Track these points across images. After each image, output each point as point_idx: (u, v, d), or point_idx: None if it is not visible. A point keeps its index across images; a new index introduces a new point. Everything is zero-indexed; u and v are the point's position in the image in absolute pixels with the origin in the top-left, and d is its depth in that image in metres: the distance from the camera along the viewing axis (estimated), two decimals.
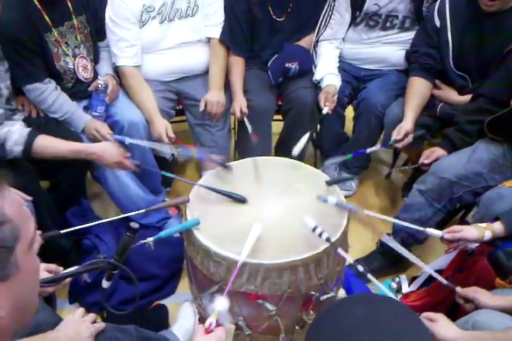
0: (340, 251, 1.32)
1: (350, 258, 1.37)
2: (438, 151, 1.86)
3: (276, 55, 2.26)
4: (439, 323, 1.17)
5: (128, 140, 1.90)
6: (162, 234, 1.37)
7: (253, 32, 2.29)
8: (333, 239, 1.37)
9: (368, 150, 1.90)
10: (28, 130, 1.63)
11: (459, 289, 1.30)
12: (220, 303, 1.09)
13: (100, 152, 1.73)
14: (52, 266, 1.30)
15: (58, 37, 1.88)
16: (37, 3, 1.78)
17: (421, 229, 1.48)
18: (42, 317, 1.23)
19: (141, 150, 2.11)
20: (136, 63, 2.13)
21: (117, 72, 2.21)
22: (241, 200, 1.50)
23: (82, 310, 1.26)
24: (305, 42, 2.39)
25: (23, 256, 0.63)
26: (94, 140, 1.95)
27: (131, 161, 1.80)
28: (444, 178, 1.75)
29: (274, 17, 2.25)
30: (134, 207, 2.10)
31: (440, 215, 1.84)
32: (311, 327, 0.74)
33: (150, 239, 1.34)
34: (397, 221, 1.62)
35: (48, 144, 1.66)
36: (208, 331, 1.03)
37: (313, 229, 1.31)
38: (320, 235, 1.30)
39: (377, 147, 1.91)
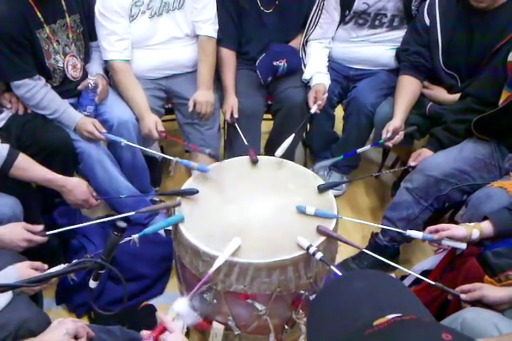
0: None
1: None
2: (425, 153, 1.87)
3: (263, 55, 2.25)
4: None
5: (124, 141, 1.89)
6: (147, 230, 1.37)
7: (240, 23, 2.28)
8: (321, 240, 1.37)
9: (359, 150, 1.90)
10: (7, 149, 1.59)
11: (463, 296, 1.29)
12: (179, 304, 1.08)
13: (71, 187, 1.70)
14: (38, 264, 1.29)
15: (50, 34, 1.86)
16: None
17: (402, 231, 1.49)
18: (26, 315, 1.22)
19: (131, 149, 2.10)
20: (127, 57, 2.11)
21: (107, 72, 2.19)
22: (193, 192, 1.52)
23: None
24: (293, 43, 2.39)
25: None
26: (87, 139, 1.96)
27: (95, 197, 1.79)
28: (431, 176, 1.76)
29: (262, 8, 2.25)
30: (123, 201, 2.10)
31: (427, 213, 1.85)
32: (311, 305, 0.74)
33: (135, 236, 1.33)
34: (375, 225, 1.62)
35: (26, 168, 1.63)
36: (157, 332, 1.00)
37: (307, 249, 1.31)
38: (314, 254, 1.29)
39: (367, 147, 1.91)
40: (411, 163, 1.87)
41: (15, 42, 1.74)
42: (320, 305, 0.72)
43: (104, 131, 1.96)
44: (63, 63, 1.95)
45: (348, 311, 0.66)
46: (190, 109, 2.18)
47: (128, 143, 1.91)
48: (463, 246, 1.41)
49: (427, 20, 2.01)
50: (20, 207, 1.62)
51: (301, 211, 1.46)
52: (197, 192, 1.53)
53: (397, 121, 1.97)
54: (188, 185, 1.60)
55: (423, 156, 1.86)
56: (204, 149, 1.82)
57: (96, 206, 1.83)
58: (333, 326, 0.66)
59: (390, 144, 1.94)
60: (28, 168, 1.64)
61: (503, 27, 1.83)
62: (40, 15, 1.80)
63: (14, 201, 1.62)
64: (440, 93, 2.10)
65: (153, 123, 2.04)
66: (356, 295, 0.69)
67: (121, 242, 1.21)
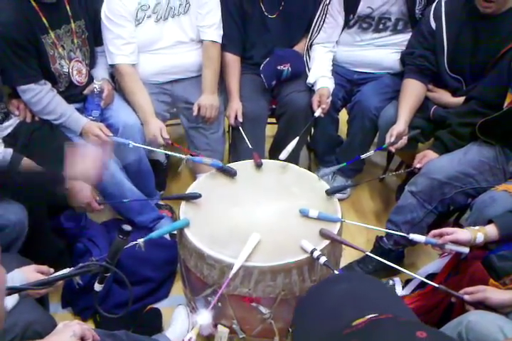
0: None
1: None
2: (430, 155, 1.86)
3: (267, 59, 2.26)
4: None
5: (131, 143, 1.90)
6: (153, 234, 1.37)
7: (245, 28, 2.29)
8: (325, 244, 1.37)
9: (363, 156, 1.90)
10: (10, 153, 1.61)
11: (466, 297, 1.28)
12: (203, 317, 1.13)
13: (75, 190, 1.71)
14: (44, 268, 1.30)
15: (55, 39, 1.88)
16: (35, 5, 1.78)
17: (405, 235, 1.49)
18: (33, 317, 1.23)
19: (137, 153, 2.11)
20: (133, 61, 2.12)
21: (113, 76, 2.21)
22: (196, 197, 1.53)
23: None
24: (297, 48, 2.39)
25: None
26: (94, 144, 1.96)
27: (98, 202, 1.79)
28: (435, 179, 1.76)
29: (266, 13, 2.26)
30: (128, 205, 2.10)
31: (432, 217, 1.84)
32: (298, 304, 0.75)
33: (141, 241, 1.34)
34: (378, 228, 1.62)
35: (30, 171, 1.65)
36: None
37: (311, 252, 1.31)
38: (318, 258, 1.30)
39: (371, 152, 1.91)
40: (416, 164, 1.87)
41: (20, 48, 1.76)
42: (306, 304, 0.73)
43: (110, 134, 1.97)
44: (68, 68, 1.97)
45: (331, 311, 0.68)
46: (195, 113, 2.19)
47: (135, 144, 1.92)
48: (465, 250, 1.40)
49: (433, 24, 2.01)
50: (25, 214, 1.63)
51: (304, 214, 1.47)
52: (200, 196, 1.53)
53: (401, 125, 1.97)
54: (192, 188, 1.61)
55: (428, 158, 1.86)
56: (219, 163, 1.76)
57: (99, 210, 1.83)
58: (317, 325, 0.67)
59: (392, 149, 1.94)
60: (32, 170, 1.65)
61: (508, 32, 1.83)
62: (45, 21, 1.82)
63: (19, 207, 1.63)
64: (445, 96, 2.10)
65: (158, 130, 2.05)
66: (340, 297, 0.71)
67: (127, 247, 1.22)
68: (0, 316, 0.72)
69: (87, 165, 1.64)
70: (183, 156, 1.78)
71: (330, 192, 1.58)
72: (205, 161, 1.68)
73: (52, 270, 1.32)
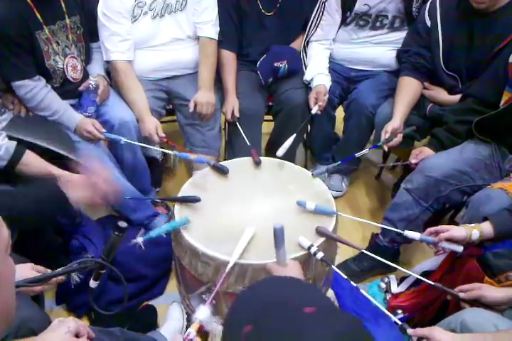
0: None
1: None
2: (426, 151, 1.87)
3: (264, 56, 2.25)
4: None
5: (123, 140, 1.90)
6: (152, 233, 1.36)
7: (241, 25, 2.29)
8: (321, 241, 1.37)
9: (358, 154, 1.90)
10: (14, 145, 1.61)
11: (462, 294, 1.28)
12: (202, 312, 1.12)
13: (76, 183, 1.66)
14: (41, 268, 1.29)
15: (50, 35, 1.86)
16: (29, 0, 1.77)
17: (400, 231, 1.49)
18: (27, 314, 1.22)
19: (132, 149, 2.10)
20: (129, 58, 2.11)
21: (109, 73, 2.20)
22: (195, 200, 1.51)
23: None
24: (294, 45, 2.39)
25: (0, 262, 0.63)
26: (87, 140, 1.95)
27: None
28: (431, 177, 1.76)
29: (263, 11, 2.25)
30: (123, 201, 2.10)
31: (427, 214, 1.84)
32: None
33: (140, 239, 1.33)
34: (374, 223, 1.62)
35: (32, 163, 1.65)
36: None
37: (308, 248, 1.31)
38: (315, 254, 1.30)
39: (366, 150, 1.91)
40: (412, 160, 1.87)
41: (14, 44, 1.75)
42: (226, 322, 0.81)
43: (103, 130, 1.96)
44: (63, 64, 1.95)
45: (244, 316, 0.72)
46: (191, 109, 2.18)
47: (127, 140, 1.91)
48: (459, 249, 1.41)
49: (428, 22, 2.01)
50: None
51: (302, 205, 1.46)
52: (199, 200, 1.52)
53: (396, 121, 1.96)
54: (187, 185, 1.60)
55: (424, 154, 1.86)
56: (209, 161, 1.76)
57: (100, 205, 1.79)
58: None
59: (385, 148, 1.93)
60: (34, 163, 1.65)
61: (503, 29, 1.82)
62: (39, 17, 1.80)
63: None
64: (441, 94, 2.10)
65: (153, 128, 2.04)
66: (249, 303, 0.77)
67: (128, 245, 1.21)
68: (11, 308, 0.72)
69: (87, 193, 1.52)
70: (171, 152, 1.78)
71: (315, 176, 1.63)
72: (191, 157, 1.68)
73: (48, 270, 1.31)
